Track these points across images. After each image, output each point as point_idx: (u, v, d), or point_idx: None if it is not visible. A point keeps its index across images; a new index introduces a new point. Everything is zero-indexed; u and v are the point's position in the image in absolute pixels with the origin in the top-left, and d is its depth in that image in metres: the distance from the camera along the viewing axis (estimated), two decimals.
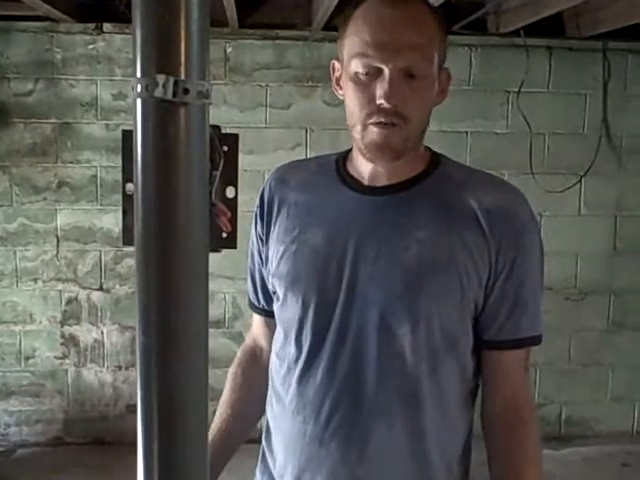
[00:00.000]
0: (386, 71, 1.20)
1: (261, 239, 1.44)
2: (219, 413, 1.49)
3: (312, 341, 1.31)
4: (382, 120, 1.22)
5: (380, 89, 1.21)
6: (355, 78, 1.24)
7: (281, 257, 1.36)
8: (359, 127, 1.25)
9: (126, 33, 3.67)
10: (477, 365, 1.36)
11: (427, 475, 1.31)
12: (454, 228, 1.27)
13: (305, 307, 1.32)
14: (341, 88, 1.32)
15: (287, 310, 1.36)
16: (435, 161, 1.36)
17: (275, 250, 1.38)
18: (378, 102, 1.21)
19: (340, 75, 1.32)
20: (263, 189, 1.46)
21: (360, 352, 1.28)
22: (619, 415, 4.25)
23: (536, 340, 1.36)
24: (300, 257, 1.33)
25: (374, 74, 1.22)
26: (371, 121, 1.23)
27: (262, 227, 1.44)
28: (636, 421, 4.27)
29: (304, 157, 3.63)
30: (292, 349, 1.35)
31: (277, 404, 1.39)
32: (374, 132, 1.24)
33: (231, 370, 1.54)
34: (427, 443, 1.30)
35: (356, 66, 1.23)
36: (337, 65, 1.33)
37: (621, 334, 4.19)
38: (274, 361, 1.42)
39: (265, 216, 1.43)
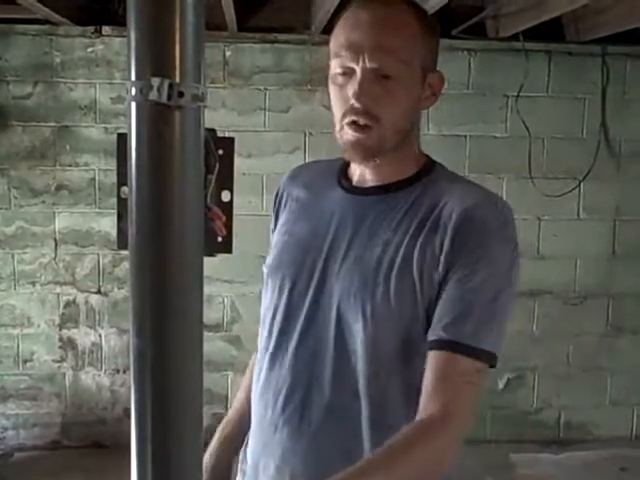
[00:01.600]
0: (357, 71, 1.24)
1: (272, 231, 1.52)
2: (237, 394, 1.57)
3: (281, 329, 1.35)
4: (354, 119, 1.26)
5: (351, 89, 1.25)
6: (334, 79, 1.29)
7: (274, 247, 1.44)
8: (338, 127, 1.30)
9: (125, 36, 3.66)
10: None
11: None
12: (421, 233, 1.27)
13: (280, 295, 1.36)
14: None
15: (266, 297, 1.41)
16: (428, 168, 1.36)
17: (274, 241, 1.46)
18: (350, 102, 1.25)
19: None
20: (279, 185, 1.53)
21: (319, 346, 1.30)
22: (618, 419, 4.24)
23: (480, 354, 1.22)
24: (285, 248, 1.40)
25: (349, 75, 1.26)
26: (346, 121, 1.27)
27: (274, 220, 1.51)
28: (635, 425, 4.27)
29: (303, 161, 3.64)
30: (265, 335, 1.39)
31: (254, 389, 1.43)
32: (348, 133, 1.28)
33: (246, 375, 1.59)
34: (365, 443, 1.28)
35: (334, 67, 1.28)
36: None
37: (620, 338, 4.19)
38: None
39: (276, 210, 1.51)
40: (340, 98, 1.28)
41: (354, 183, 1.38)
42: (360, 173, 1.37)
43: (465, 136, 3.97)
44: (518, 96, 3.87)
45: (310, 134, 3.89)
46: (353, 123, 1.26)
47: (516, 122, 3.91)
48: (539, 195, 3.88)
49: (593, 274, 4.12)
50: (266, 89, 3.87)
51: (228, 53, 3.82)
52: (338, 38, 1.28)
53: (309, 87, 3.86)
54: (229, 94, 3.84)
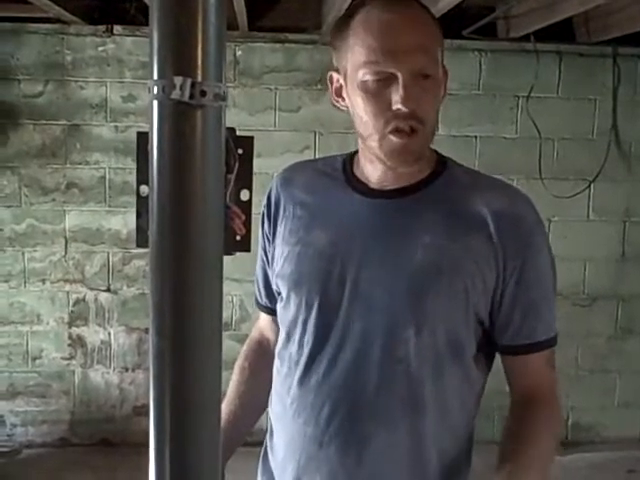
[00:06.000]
0: (400, 76, 1.19)
1: (268, 239, 1.45)
2: (226, 404, 1.49)
3: (314, 343, 1.32)
4: (400, 126, 1.21)
5: (396, 94, 1.19)
6: (365, 87, 1.23)
7: (285, 258, 1.37)
8: (376, 136, 1.24)
9: (136, 35, 3.68)
10: (482, 373, 1.35)
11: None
12: (460, 233, 1.27)
13: (308, 308, 1.32)
14: (343, 99, 1.32)
15: (289, 311, 1.36)
16: (442, 164, 1.36)
17: (280, 251, 1.39)
18: (395, 107, 1.20)
19: (341, 86, 1.32)
20: (270, 189, 1.46)
21: (362, 355, 1.27)
22: (626, 421, 4.23)
23: (552, 342, 1.34)
24: (304, 258, 1.34)
25: (386, 80, 1.21)
26: (389, 129, 1.22)
27: (269, 227, 1.44)
28: None
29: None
30: (293, 350, 1.35)
31: (279, 404, 1.40)
32: (393, 141, 1.23)
33: (238, 363, 1.55)
34: (426, 448, 1.29)
35: (364, 74, 1.22)
36: (336, 76, 1.33)
37: (629, 340, 4.18)
38: (276, 361, 1.43)
39: (272, 216, 1.43)
40: (377, 106, 1.22)
41: (372, 186, 1.32)
42: (380, 176, 1.31)
43: (475, 137, 3.96)
44: (528, 97, 3.86)
45: (320, 134, 3.89)
46: (398, 130, 1.21)
47: (526, 123, 3.90)
48: (549, 196, 3.86)
49: (602, 276, 4.11)
50: (276, 89, 3.87)
51: (239, 52, 3.83)
52: (366, 44, 1.21)
53: (319, 87, 3.86)
54: (239, 93, 3.84)
